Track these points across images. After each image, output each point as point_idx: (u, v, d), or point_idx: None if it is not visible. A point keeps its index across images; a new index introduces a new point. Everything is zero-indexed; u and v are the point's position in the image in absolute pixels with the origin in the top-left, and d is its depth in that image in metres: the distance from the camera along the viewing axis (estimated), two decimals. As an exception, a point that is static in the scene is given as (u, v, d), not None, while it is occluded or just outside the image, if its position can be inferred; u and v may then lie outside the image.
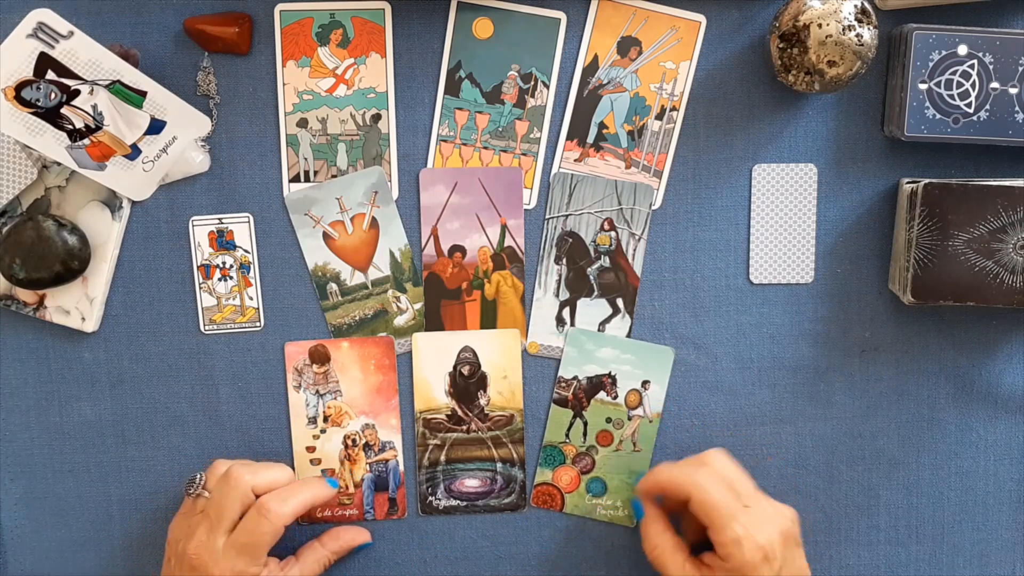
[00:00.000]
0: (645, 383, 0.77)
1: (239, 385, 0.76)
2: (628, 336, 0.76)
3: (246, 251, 0.75)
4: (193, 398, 0.76)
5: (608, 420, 0.77)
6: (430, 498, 0.77)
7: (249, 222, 0.75)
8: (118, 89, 0.71)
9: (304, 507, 0.70)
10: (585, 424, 0.77)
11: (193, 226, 0.75)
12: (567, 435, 0.77)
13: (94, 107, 0.71)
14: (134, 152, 0.73)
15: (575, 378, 0.77)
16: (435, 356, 0.77)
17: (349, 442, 0.77)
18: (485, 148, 0.75)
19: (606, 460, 0.77)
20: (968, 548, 0.78)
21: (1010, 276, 0.69)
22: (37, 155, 0.73)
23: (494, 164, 0.75)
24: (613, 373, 0.77)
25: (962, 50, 0.70)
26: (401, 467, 0.77)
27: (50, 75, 0.69)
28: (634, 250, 0.76)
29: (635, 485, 0.75)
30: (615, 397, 0.77)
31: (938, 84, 0.70)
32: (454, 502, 0.77)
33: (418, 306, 0.76)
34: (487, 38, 0.74)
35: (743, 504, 0.67)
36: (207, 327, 0.76)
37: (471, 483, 0.77)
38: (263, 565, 0.69)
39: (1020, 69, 0.70)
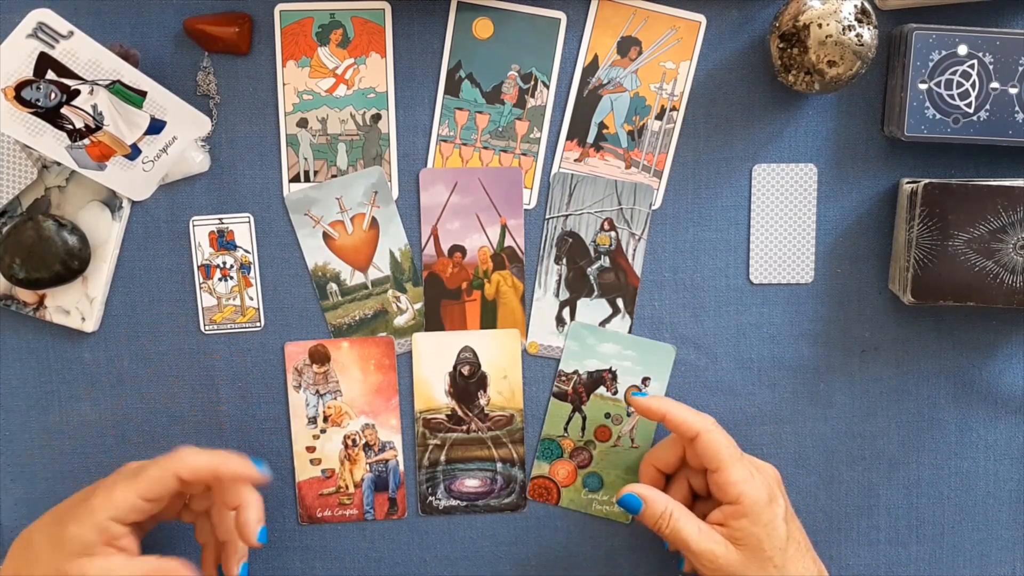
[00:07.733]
0: (645, 380, 0.77)
1: (239, 385, 0.76)
2: (628, 336, 0.77)
3: (246, 251, 0.75)
4: (193, 398, 0.76)
5: (607, 415, 0.77)
6: (430, 498, 0.77)
7: (249, 222, 0.75)
8: (118, 89, 0.71)
9: (211, 464, 0.66)
10: (584, 418, 0.77)
11: (193, 226, 0.75)
12: (565, 429, 0.77)
13: (94, 107, 0.71)
14: (134, 152, 0.73)
15: (576, 372, 0.77)
16: (435, 356, 0.77)
17: (349, 442, 0.77)
18: (485, 148, 0.75)
19: (603, 456, 0.77)
20: (968, 548, 0.78)
21: (1010, 276, 0.69)
22: (37, 155, 0.73)
23: (494, 164, 0.75)
24: (614, 369, 0.77)
25: (962, 50, 0.70)
26: (401, 467, 0.77)
27: (50, 75, 0.69)
28: (634, 250, 0.76)
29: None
30: (615, 393, 0.77)
31: (938, 84, 0.70)
32: (454, 502, 0.77)
33: (418, 306, 0.76)
34: (487, 38, 0.74)
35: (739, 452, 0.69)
36: (207, 327, 0.76)
37: (471, 483, 0.77)
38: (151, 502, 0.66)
39: (1020, 69, 0.70)
